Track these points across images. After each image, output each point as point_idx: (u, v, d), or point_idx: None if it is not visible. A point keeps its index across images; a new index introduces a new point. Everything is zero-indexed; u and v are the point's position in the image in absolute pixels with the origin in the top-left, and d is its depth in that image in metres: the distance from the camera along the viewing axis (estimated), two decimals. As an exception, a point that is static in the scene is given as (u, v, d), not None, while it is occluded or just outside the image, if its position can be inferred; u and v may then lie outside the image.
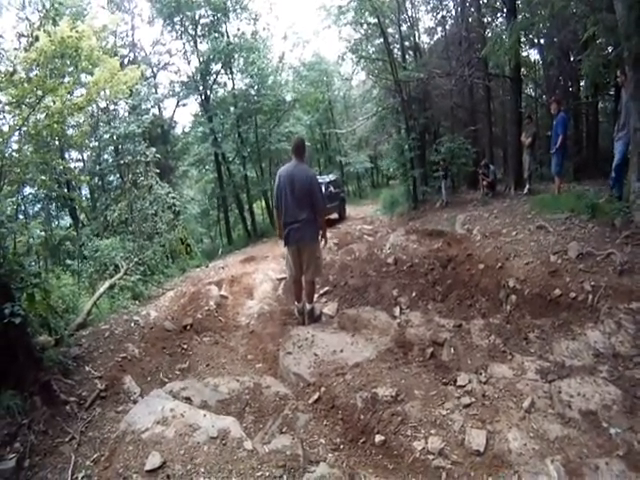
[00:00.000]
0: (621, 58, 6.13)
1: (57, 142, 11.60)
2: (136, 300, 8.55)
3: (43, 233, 12.28)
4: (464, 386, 3.85)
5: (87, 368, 5.07)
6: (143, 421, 3.43)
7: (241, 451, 3.09)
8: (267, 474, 2.88)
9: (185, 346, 6.01)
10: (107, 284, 8.19)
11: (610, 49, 8.00)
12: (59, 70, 6.11)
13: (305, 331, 5.35)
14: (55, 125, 6.70)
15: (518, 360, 4.19)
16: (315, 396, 4.06)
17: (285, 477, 2.87)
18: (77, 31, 6.01)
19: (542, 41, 14.71)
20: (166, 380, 5.10)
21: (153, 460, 3.00)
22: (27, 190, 13.31)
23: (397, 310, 6.06)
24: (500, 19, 15.62)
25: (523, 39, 12.49)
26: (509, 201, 10.09)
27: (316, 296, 6.43)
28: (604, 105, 15.35)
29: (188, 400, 4.05)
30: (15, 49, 5.84)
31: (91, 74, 7.92)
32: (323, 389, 4.11)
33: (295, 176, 5.38)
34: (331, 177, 20.00)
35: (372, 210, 19.29)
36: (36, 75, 5.78)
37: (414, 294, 6.39)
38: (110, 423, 4.15)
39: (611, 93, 13.05)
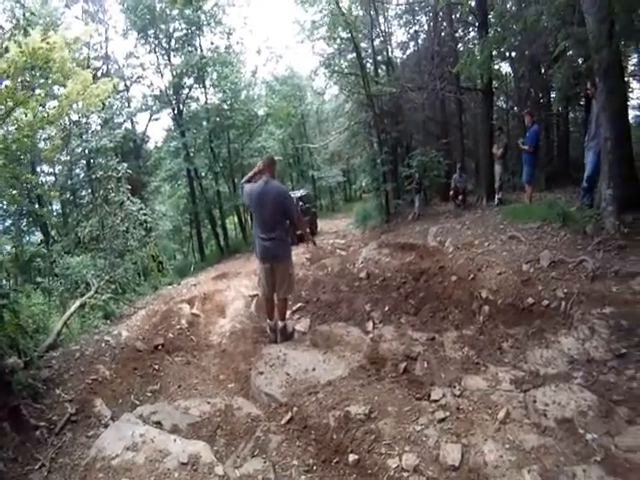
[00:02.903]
0: (591, 70, 6.28)
1: (27, 156, 11.45)
2: (107, 319, 8.41)
3: (14, 249, 11.98)
4: (438, 400, 3.77)
5: (57, 391, 4.94)
6: (113, 447, 3.39)
7: (212, 477, 3.05)
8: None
9: (156, 367, 5.85)
10: (78, 303, 7.95)
11: (580, 61, 8.21)
12: (29, 82, 5.96)
13: (277, 350, 5.22)
14: (25, 139, 6.57)
15: (492, 371, 4.15)
16: (287, 417, 3.94)
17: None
18: (48, 42, 5.86)
19: (513, 54, 15.07)
20: (137, 402, 4.98)
21: None
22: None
23: (370, 325, 5.99)
24: (472, 33, 15.97)
25: (495, 53, 12.70)
26: (481, 212, 10.21)
27: (288, 313, 6.35)
28: (574, 115, 15.79)
29: (159, 424, 3.96)
30: None
31: (64, 86, 7.71)
32: (295, 409, 3.99)
33: (267, 193, 5.29)
34: (302, 192, 20.09)
35: (345, 224, 19.33)
36: (6, 86, 5.65)
37: (387, 308, 6.33)
38: (81, 449, 4.02)
39: (581, 104, 13.40)
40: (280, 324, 5.73)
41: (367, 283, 7.20)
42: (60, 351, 6.06)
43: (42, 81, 6.41)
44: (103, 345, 6.26)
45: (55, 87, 8.30)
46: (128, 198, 11.65)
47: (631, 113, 9.93)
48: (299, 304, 7.01)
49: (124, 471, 3.13)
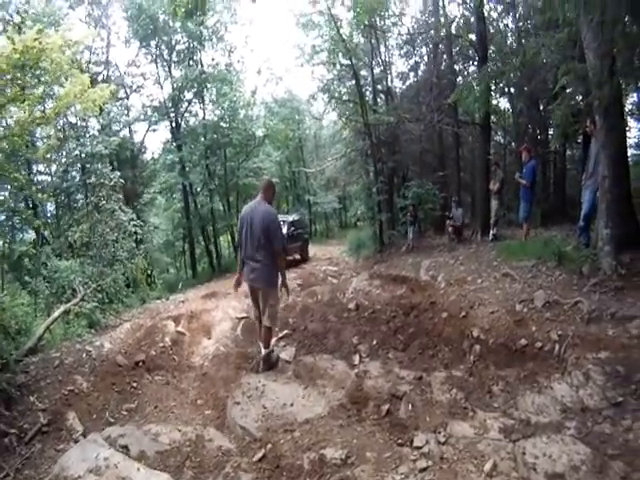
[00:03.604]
0: (591, 107, 6.18)
1: (23, 154, 11.40)
2: (92, 329, 8.29)
3: (5, 246, 12.04)
4: (421, 447, 3.51)
5: (32, 398, 4.91)
6: (76, 467, 3.35)
7: None
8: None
9: (135, 384, 5.74)
10: (62, 309, 7.92)
11: (580, 98, 8.23)
12: (21, 80, 5.92)
13: (256, 380, 5.00)
14: (16, 138, 6.53)
15: (480, 417, 3.89)
16: (260, 453, 3.69)
17: None
18: (40, 42, 5.83)
19: (512, 90, 15.17)
20: (112, 420, 4.92)
21: None
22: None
23: (357, 358, 5.76)
24: (472, 67, 16.07)
25: (493, 87, 12.76)
26: (475, 247, 10.11)
27: (274, 340, 6.16)
28: (572, 153, 15.79)
29: (125, 449, 3.84)
30: None
31: (62, 86, 7.80)
32: (269, 446, 3.75)
33: (255, 215, 5.27)
34: (294, 217, 19.93)
35: (338, 251, 19.11)
36: None
37: (375, 342, 6.11)
38: (48, 462, 3.98)
39: (579, 141, 13.39)
40: (263, 352, 5.53)
41: (356, 315, 7.00)
42: (39, 357, 6.02)
43: (35, 81, 6.39)
44: (84, 355, 6.18)
45: (55, 88, 8.48)
46: (120, 207, 11.69)
47: (629, 152, 9.90)
48: (286, 331, 6.80)
49: None
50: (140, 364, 6.15)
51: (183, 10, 7.69)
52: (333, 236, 32.21)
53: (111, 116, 17.89)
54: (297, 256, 17.54)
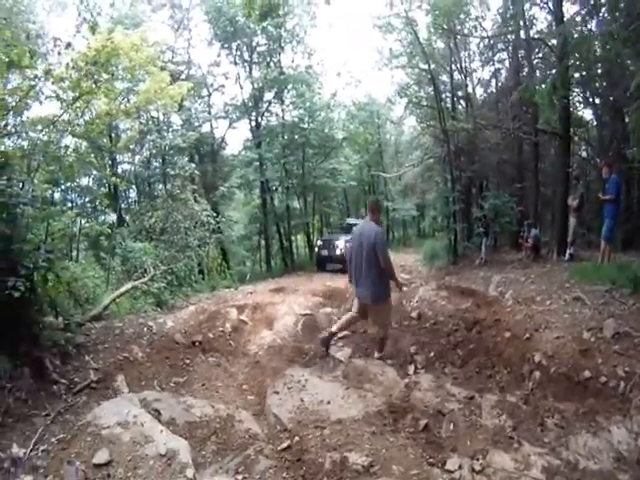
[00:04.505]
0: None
1: (107, 143, 12.74)
2: (159, 307, 8.91)
3: (87, 224, 12.78)
4: (452, 472, 3.30)
5: (87, 358, 5.24)
6: (107, 418, 3.66)
7: (181, 476, 3.14)
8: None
9: (188, 361, 6.03)
10: (130, 284, 8.43)
11: None
12: (96, 75, 6.37)
13: (300, 373, 5.14)
14: (95, 126, 7.03)
15: (525, 451, 3.56)
16: (285, 444, 3.75)
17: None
18: (112, 42, 6.28)
19: (596, 100, 14.22)
20: (158, 389, 5.13)
21: (102, 456, 3.25)
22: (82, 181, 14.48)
23: (412, 368, 5.68)
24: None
25: (578, 98, 11.98)
26: (549, 266, 9.57)
27: (334, 339, 6.35)
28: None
29: (157, 412, 4.07)
30: (58, 53, 6.12)
31: (142, 82, 8.53)
32: (296, 438, 3.80)
33: (363, 235, 5.62)
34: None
35: (413, 260, 18.67)
36: (71, 76, 6.08)
37: (432, 354, 5.97)
38: (88, 412, 4.10)
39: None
40: (377, 354, 5.85)
41: (417, 324, 6.94)
42: (103, 324, 6.46)
43: (109, 76, 6.81)
44: (145, 329, 6.54)
45: (139, 84, 9.08)
46: (194, 198, 12.24)
47: None
48: (345, 332, 6.77)
49: (108, 442, 3.38)
50: (196, 344, 6.47)
51: (257, 12, 7.75)
52: (410, 244, 31.46)
53: (191, 112, 18.74)
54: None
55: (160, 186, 17.98)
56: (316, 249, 18.66)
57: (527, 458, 3.45)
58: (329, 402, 4.39)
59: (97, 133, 7.54)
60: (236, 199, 25.60)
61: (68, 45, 5.99)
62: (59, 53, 6.00)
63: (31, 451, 3.50)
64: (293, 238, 25.05)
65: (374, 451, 3.48)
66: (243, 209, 27.26)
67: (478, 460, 3.44)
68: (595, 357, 4.51)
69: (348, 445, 3.56)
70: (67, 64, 5.90)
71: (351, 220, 21.01)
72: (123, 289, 8.05)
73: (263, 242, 24.19)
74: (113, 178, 9.70)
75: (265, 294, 10.04)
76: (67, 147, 6.82)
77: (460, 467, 3.35)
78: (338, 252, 15.98)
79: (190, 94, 12.08)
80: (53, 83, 6.02)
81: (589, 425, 3.77)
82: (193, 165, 12.54)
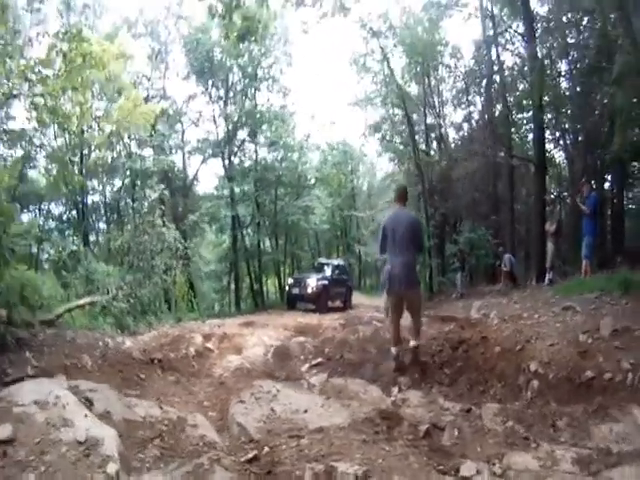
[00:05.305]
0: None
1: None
2: (120, 330, 8.52)
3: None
4: (469, 478, 2.73)
5: (28, 354, 4.98)
6: (24, 396, 3.19)
7: (99, 471, 2.51)
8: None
9: (143, 376, 5.53)
10: (89, 299, 8.40)
11: None
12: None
13: (271, 384, 4.56)
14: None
15: (546, 449, 3.05)
16: (251, 454, 3.06)
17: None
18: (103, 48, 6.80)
19: (567, 140, 14.76)
20: None
21: (2, 431, 2.73)
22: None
23: (395, 390, 5.08)
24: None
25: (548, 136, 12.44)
26: (530, 291, 9.58)
27: (307, 366, 6.19)
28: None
29: (88, 402, 3.49)
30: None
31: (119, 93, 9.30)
32: (266, 449, 3.12)
33: (400, 221, 5.54)
34: (339, 261, 19.83)
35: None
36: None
37: (416, 375, 5.46)
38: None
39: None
40: (412, 342, 5.66)
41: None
42: (54, 331, 6.15)
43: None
44: (100, 343, 6.16)
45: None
46: (164, 223, 12.04)
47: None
48: (320, 359, 6.40)
49: (16, 420, 2.87)
50: (155, 361, 6.02)
51: (235, 34, 7.78)
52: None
53: (164, 137, 18.79)
54: (339, 303, 17.02)
55: (130, 211, 17.73)
56: (287, 287, 18.20)
57: (551, 454, 2.94)
58: (306, 411, 3.78)
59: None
60: (207, 239, 25.33)
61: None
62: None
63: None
64: (264, 280, 24.71)
65: (367, 460, 2.83)
66: (214, 250, 26.83)
67: (495, 464, 2.91)
68: (595, 356, 4.30)
69: (333, 455, 2.92)
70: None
71: (323, 260, 20.87)
72: (81, 301, 7.99)
73: (233, 285, 23.83)
74: (76, 178, 9.60)
75: (234, 327, 9.55)
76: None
77: (478, 472, 2.77)
78: (309, 291, 15.64)
79: (163, 121, 12.00)
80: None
81: (604, 419, 3.46)
82: (162, 186, 12.37)
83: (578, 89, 12.68)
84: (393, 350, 5.65)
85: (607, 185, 14.43)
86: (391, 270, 5.52)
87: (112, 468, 2.55)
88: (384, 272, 5.73)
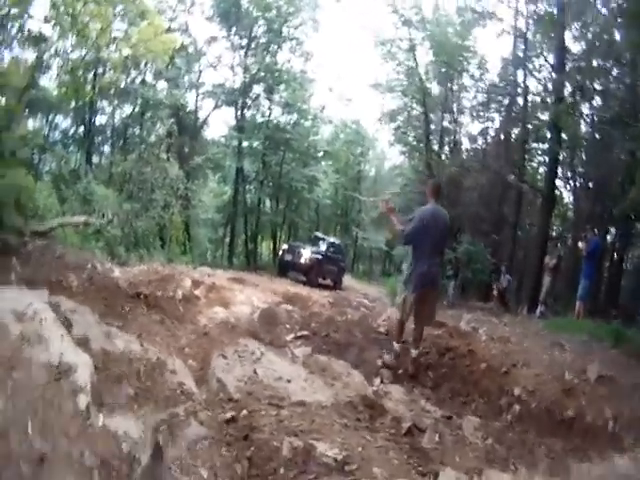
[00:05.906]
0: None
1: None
2: (110, 258, 8.42)
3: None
4: None
5: (14, 262, 4.90)
6: (3, 303, 3.02)
7: (68, 402, 2.31)
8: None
9: (127, 309, 5.39)
10: (83, 218, 8.28)
11: None
12: None
13: (256, 345, 4.50)
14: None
15: (524, 475, 3.04)
16: (229, 415, 3.00)
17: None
18: None
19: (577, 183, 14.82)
20: None
21: None
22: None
23: (377, 381, 5.05)
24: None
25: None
26: (521, 318, 9.68)
27: (292, 336, 6.04)
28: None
29: (67, 322, 3.41)
30: None
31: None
32: (244, 412, 3.03)
33: (438, 219, 5.38)
34: (336, 240, 19.79)
35: (377, 292, 18.14)
36: None
37: (400, 371, 5.42)
38: None
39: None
40: (414, 352, 5.43)
41: (385, 339, 6.33)
42: (44, 243, 6.03)
43: None
44: (89, 265, 6.01)
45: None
46: (168, 158, 12.06)
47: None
48: (305, 332, 6.27)
49: None
50: (141, 296, 5.80)
51: None
52: (375, 282, 30.86)
53: (181, 70, 18.34)
54: (329, 282, 16.96)
55: (136, 139, 17.34)
56: (280, 252, 18.15)
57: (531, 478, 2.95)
58: (289, 381, 3.71)
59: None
60: (209, 187, 24.93)
61: None
62: None
63: None
64: (259, 240, 24.69)
65: (348, 446, 2.76)
66: (214, 200, 26.39)
67: (473, 478, 2.86)
68: (579, 397, 4.24)
69: (313, 433, 2.84)
70: None
71: (320, 234, 20.63)
72: (75, 218, 7.87)
73: (228, 238, 23.66)
74: (87, 91, 9.44)
75: (223, 280, 9.43)
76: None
77: (457, 482, 2.73)
78: (302, 261, 15.54)
79: (182, 56, 11.63)
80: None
81: (582, 460, 3.38)
82: (172, 120, 12.17)
83: (597, 135, 12.56)
84: (396, 346, 5.61)
85: (609, 238, 14.40)
86: (422, 266, 5.28)
87: (83, 400, 2.38)
88: (409, 269, 5.48)
